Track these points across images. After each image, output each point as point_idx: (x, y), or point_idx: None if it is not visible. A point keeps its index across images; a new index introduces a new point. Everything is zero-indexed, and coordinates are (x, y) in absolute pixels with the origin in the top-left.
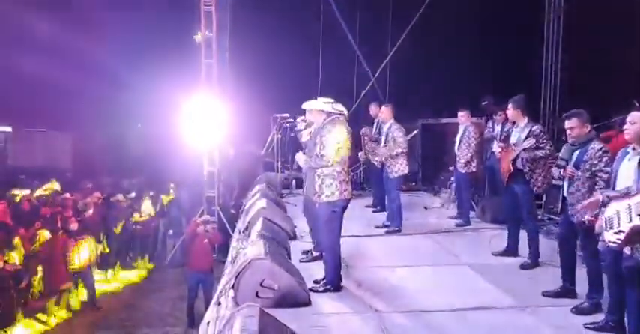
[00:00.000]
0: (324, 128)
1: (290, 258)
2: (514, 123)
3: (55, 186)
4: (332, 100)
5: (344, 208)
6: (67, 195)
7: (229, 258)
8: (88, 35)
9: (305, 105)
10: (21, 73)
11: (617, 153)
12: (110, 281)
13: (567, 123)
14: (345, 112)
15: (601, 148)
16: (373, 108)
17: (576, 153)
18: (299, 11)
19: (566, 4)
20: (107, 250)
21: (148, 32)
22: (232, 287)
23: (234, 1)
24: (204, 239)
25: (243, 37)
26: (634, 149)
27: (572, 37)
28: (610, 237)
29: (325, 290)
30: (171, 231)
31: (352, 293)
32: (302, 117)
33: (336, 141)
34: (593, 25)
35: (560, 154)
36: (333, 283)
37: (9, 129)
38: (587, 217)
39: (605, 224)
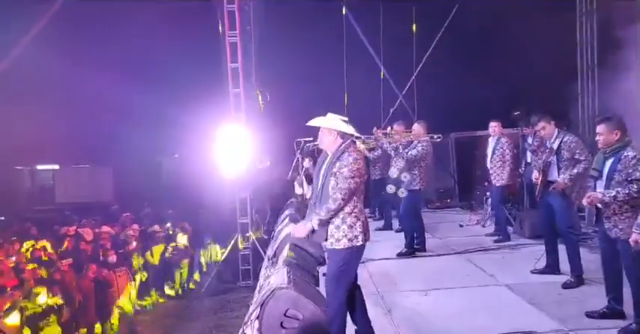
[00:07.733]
0: (340, 157)
1: (318, 285)
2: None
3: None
4: (346, 118)
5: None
6: (105, 228)
7: (258, 286)
8: (124, 74)
9: (315, 122)
10: (63, 113)
11: None
12: (147, 312)
13: (597, 129)
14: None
15: (635, 156)
16: (396, 128)
17: (609, 162)
18: (322, 34)
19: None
20: (144, 279)
21: (181, 66)
22: (257, 317)
23: (258, 30)
24: None
25: (267, 64)
26: None
27: (606, 36)
28: None
29: None
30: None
31: (382, 320)
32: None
33: (352, 175)
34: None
35: (593, 164)
36: None
37: (56, 166)
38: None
39: None
